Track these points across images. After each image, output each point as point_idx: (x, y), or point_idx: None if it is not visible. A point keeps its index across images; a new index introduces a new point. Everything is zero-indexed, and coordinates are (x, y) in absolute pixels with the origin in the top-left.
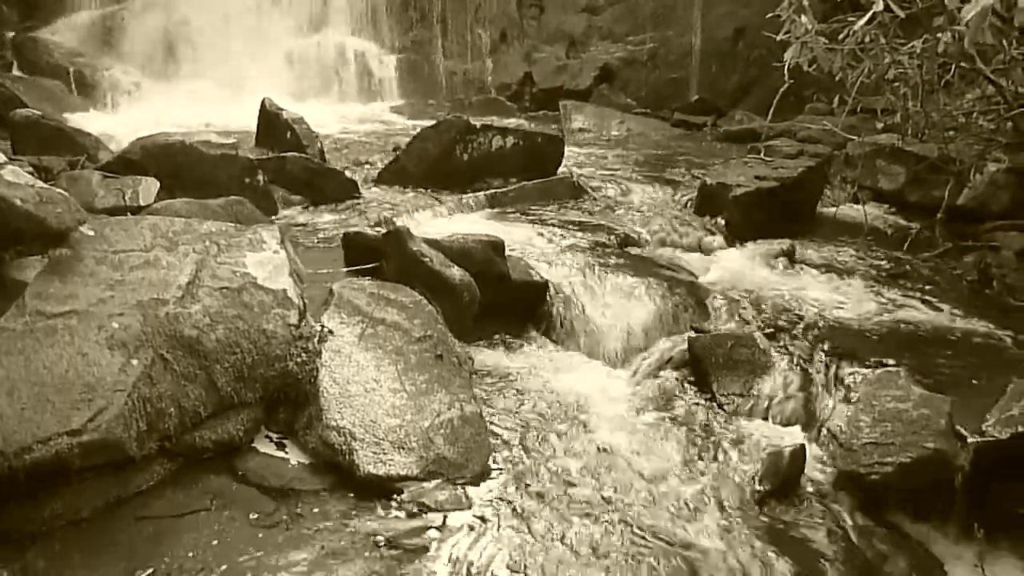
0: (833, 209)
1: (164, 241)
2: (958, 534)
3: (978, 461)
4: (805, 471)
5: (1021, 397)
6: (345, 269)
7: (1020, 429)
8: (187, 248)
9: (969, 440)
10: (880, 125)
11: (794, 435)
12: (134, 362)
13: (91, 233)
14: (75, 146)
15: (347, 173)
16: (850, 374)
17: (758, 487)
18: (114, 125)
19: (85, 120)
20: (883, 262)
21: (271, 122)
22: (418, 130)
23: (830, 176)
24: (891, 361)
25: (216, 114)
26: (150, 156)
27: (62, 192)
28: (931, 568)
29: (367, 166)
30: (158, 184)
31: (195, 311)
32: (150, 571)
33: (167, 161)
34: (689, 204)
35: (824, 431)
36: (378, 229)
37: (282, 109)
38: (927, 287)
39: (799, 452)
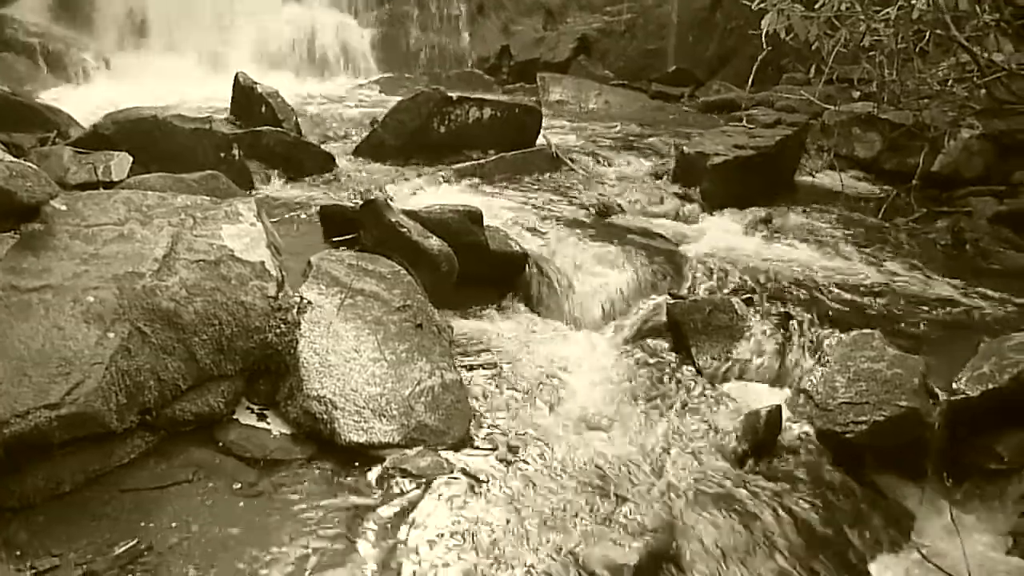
0: (810, 177)
1: (139, 215)
2: (931, 489)
3: (950, 418)
4: (782, 431)
5: (991, 356)
6: (323, 241)
7: (990, 386)
8: (162, 221)
9: (941, 398)
10: (856, 94)
11: (771, 397)
12: (111, 335)
13: (64, 208)
14: (45, 122)
15: (324, 147)
16: (826, 336)
17: (736, 447)
18: (85, 102)
19: (55, 97)
20: (859, 228)
21: (245, 96)
22: (395, 103)
23: (807, 145)
24: (866, 323)
25: (190, 89)
26: (122, 131)
27: (32, 166)
28: (905, 522)
29: (344, 140)
30: (131, 159)
31: (172, 284)
32: (133, 542)
33: (140, 136)
34: (667, 174)
35: (801, 392)
36: (356, 201)
37: (256, 83)
38: (902, 252)
39: (775, 413)
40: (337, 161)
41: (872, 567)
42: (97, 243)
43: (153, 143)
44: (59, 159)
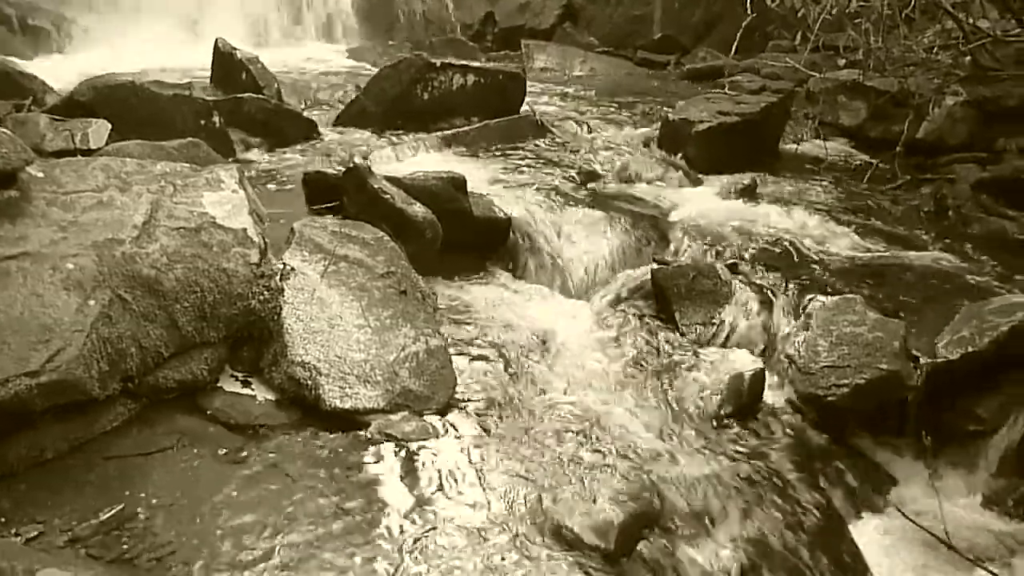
0: (795, 145)
1: (117, 182)
2: (911, 451)
3: (930, 381)
4: (765, 395)
5: (971, 319)
6: (306, 208)
7: (970, 349)
8: (141, 188)
9: (922, 361)
10: (842, 61)
11: (754, 361)
12: (91, 303)
13: (40, 175)
14: (21, 90)
15: (306, 114)
16: (809, 301)
17: (719, 410)
18: (62, 69)
19: (31, 64)
20: (843, 195)
21: (225, 63)
22: (377, 70)
23: (792, 112)
24: (849, 288)
25: (169, 57)
26: (100, 98)
27: (7, 132)
28: (885, 483)
29: (326, 107)
30: (109, 126)
31: (152, 251)
32: (118, 508)
33: (117, 102)
34: (652, 141)
35: (783, 356)
36: (338, 168)
37: (236, 49)
38: (885, 218)
39: (758, 376)
40: (319, 128)
41: (852, 526)
42: (75, 210)
43: (131, 110)
44: (35, 126)
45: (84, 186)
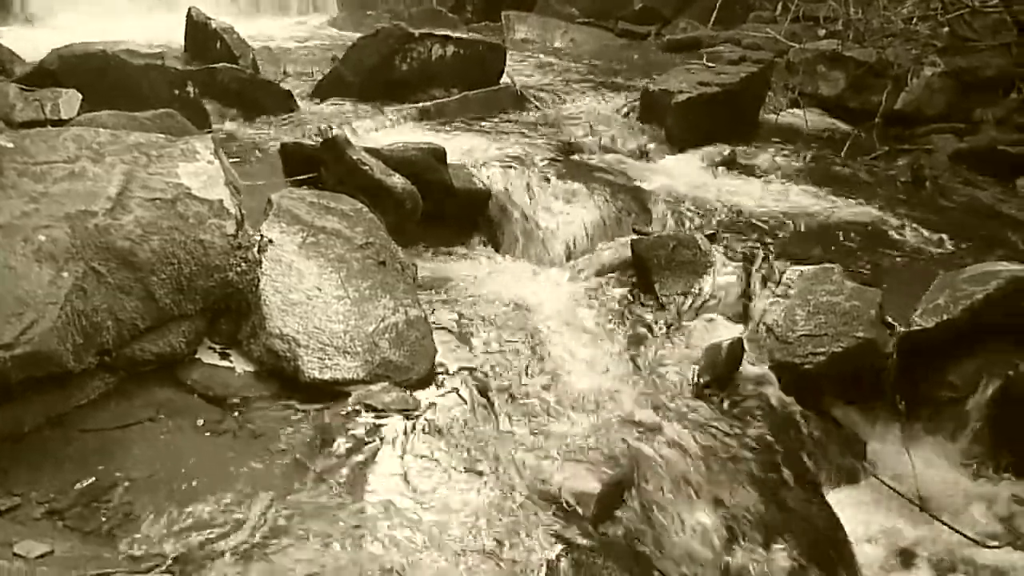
0: (774, 115)
1: (89, 152)
2: (886, 418)
3: (905, 349)
4: (743, 364)
5: (946, 288)
6: (283, 180)
7: (945, 318)
8: (115, 159)
9: (897, 329)
10: (822, 32)
11: (733, 330)
12: (64, 275)
13: (10, 145)
14: None
15: (282, 85)
16: (787, 271)
17: (698, 379)
18: (31, 39)
19: None
20: (822, 166)
21: (199, 32)
22: (355, 40)
23: (772, 83)
24: (827, 258)
25: (142, 26)
26: (70, 67)
27: None
28: (860, 450)
29: (303, 78)
30: (80, 96)
31: (127, 222)
32: (96, 480)
33: (88, 72)
34: (632, 112)
35: (762, 325)
36: (316, 139)
37: (210, 18)
38: (863, 189)
39: (737, 345)
40: (296, 99)
41: (828, 491)
42: (47, 181)
43: (103, 80)
44: (4, 96)
45: (55, 157)
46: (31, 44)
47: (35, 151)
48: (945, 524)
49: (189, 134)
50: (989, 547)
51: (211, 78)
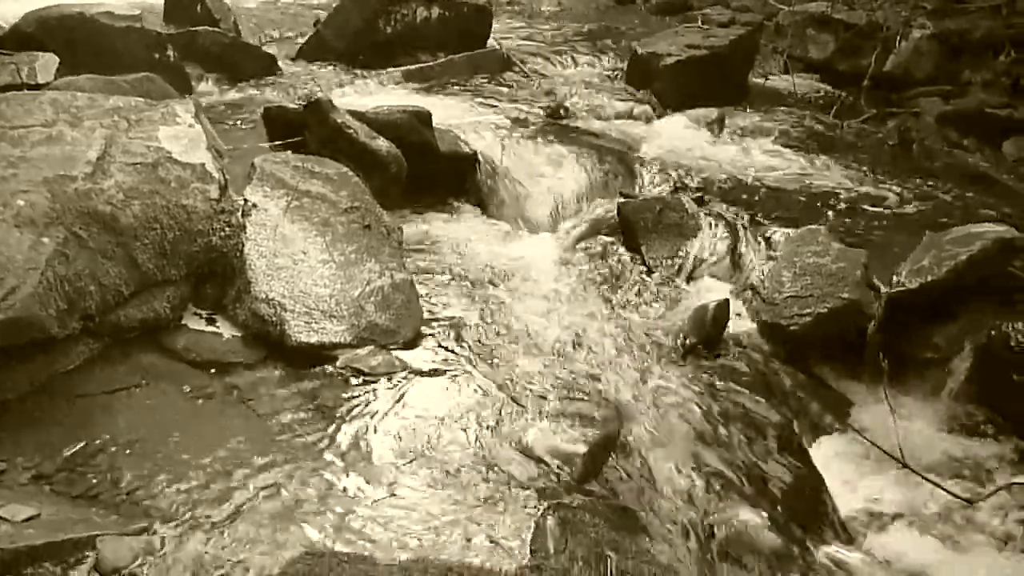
0: (763, 79)
1: (68, 116)
2: (870, 377)
3: (889, 309)
4: (730, 325)
5: (931, 249)
6: (267, 144)
7: (929, 279)
8: (94, 123)
9: (882, 290)
10: None
11: (720, 292)
12: (45, 240)
13: None
14: None
15: (264, 48)
16: (774, 234)
17: (685, 340)
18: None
19: None
20: (810, 128)
21: None
22: (338, 2)
23: (761, 46)
24: (814, 220)
25: None
26: (46, 30)
27: None
28: (844, 408)
29: (286, 41)
30: (57, 60)
31: (108, 187)
32: (82, 445)
33: (66, 35)
34: (620, 75)
35: (748, 287)
36: (300, 102)
37: None
38: (851, 151)
39: (723, 306)
40: (279, 63)
41: (812, 449)
42: (24, 146)
43: (80, 43)
44: None
45: (32, 120)
46: (6, 6)
47: (11, 115)
48: (927, 480)
49: (169, 98)
50: (970, 502)
51: (192, 41)
